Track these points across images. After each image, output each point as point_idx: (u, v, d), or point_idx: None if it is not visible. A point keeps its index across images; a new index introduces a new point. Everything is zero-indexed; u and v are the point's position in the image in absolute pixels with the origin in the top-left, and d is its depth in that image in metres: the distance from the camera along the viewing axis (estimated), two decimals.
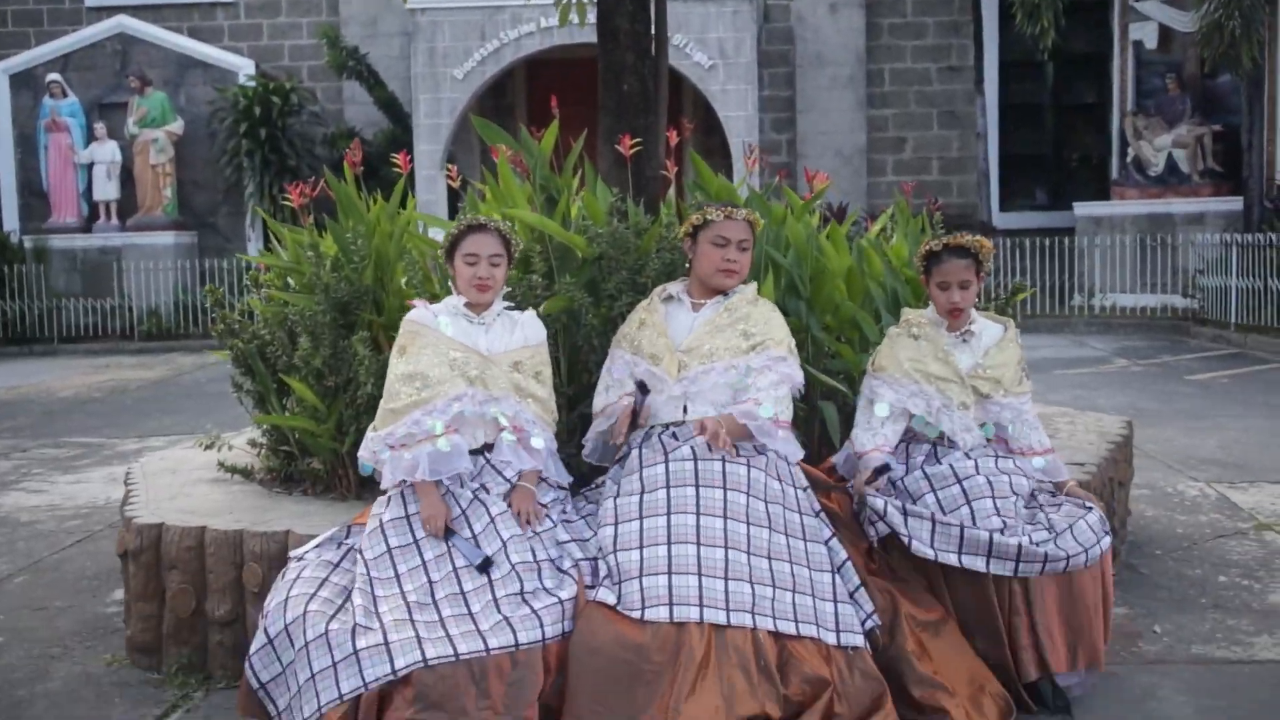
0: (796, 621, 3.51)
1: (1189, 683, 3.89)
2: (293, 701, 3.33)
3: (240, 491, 4.62)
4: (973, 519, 3.72)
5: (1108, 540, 3.81)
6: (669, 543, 3.54)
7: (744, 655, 3.39)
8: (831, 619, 3.57)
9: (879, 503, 3.76)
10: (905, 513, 3.74)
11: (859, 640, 3.56)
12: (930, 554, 3.68)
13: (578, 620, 3.44)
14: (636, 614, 3.41)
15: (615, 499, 3.71)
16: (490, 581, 3.48)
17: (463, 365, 3.72)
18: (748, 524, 3.62)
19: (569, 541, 3.69)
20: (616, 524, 3.63)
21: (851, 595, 3.67)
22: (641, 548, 3.55)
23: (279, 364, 4.63)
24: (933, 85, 17.95)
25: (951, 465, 3.89)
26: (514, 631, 3.35)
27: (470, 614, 3.41)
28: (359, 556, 3.57)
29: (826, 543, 3.77)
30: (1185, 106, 15.61)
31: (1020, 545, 3.63)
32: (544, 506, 3.76)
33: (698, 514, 3.60)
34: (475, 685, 3.24)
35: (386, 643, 3.27)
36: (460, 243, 3.79)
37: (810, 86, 17.57)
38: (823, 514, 3.86)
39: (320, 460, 4.52)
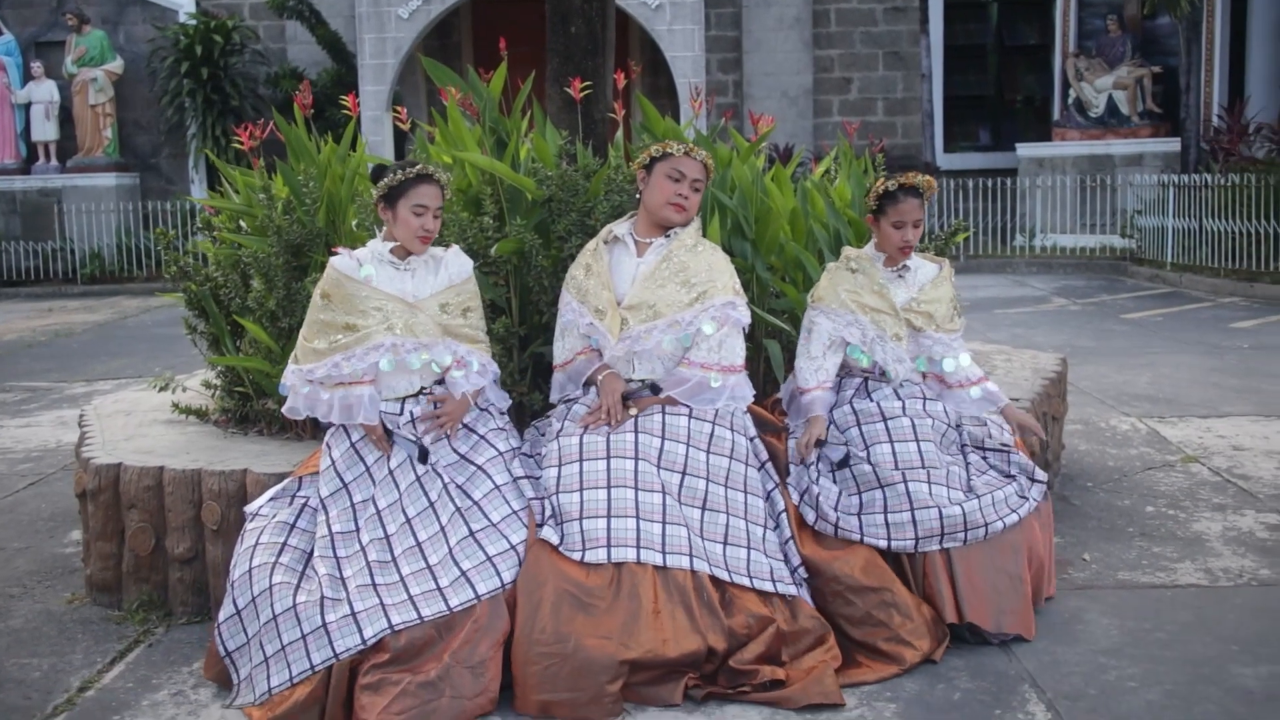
0: (729, 571, 3.64)
1: (1114, 606, 4.08)
2: (254, 671, 3.44)
3: (196, 432, 4.68)
4: (894, 459, 3.89)
5: (1026, 508, 3.97)
6: (609, 486, 3.64)
7: (685, 592, 3.51)
8: (766, 570, 3.70)
9: (815, 493, 3.90)
10: (837, 507, 3.88)
11: (792, 590, 3.70)
12: (857, 538, 3.84)
13: (525, 556, 3.56)
14: (577, 555, 3.53)
15: (559, 438, 3.80)
16: (442, 528, 3.59)
17: (388, 315, 3.71)
18: (684, 474, 3.73)
19: (522, 478, 3.80)
20: (560, 465, 3.73)
21: (783, 546, 3.81)
22: (582, 490, 3.65)
23: (232, 306, 4.68)
24: (878, 26, 18.00)
25: (879, 403, 4.05)
26: (472, 585, 3.47)
27: (429, 568, 3.52)
28: (320, 514, 3.66)
29: (769, 495, 3.89)
30: (1125, 48, 15.82)
31: (941, 514, 3.79)
32: (481, 436, 3.83)
33: (636, 459, 3.70)
34: (441, 639, 3.38)
35: (354, 613, 3.39)
36: (408, 192, 3.73)
37: (757, 26, 17.57)
38: (769, 464, 3.96)
39: (275, 401, 4.59)
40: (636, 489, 3.64)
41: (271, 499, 3.81)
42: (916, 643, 3.65)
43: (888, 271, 4.17)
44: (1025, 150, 16.34)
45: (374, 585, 3.46)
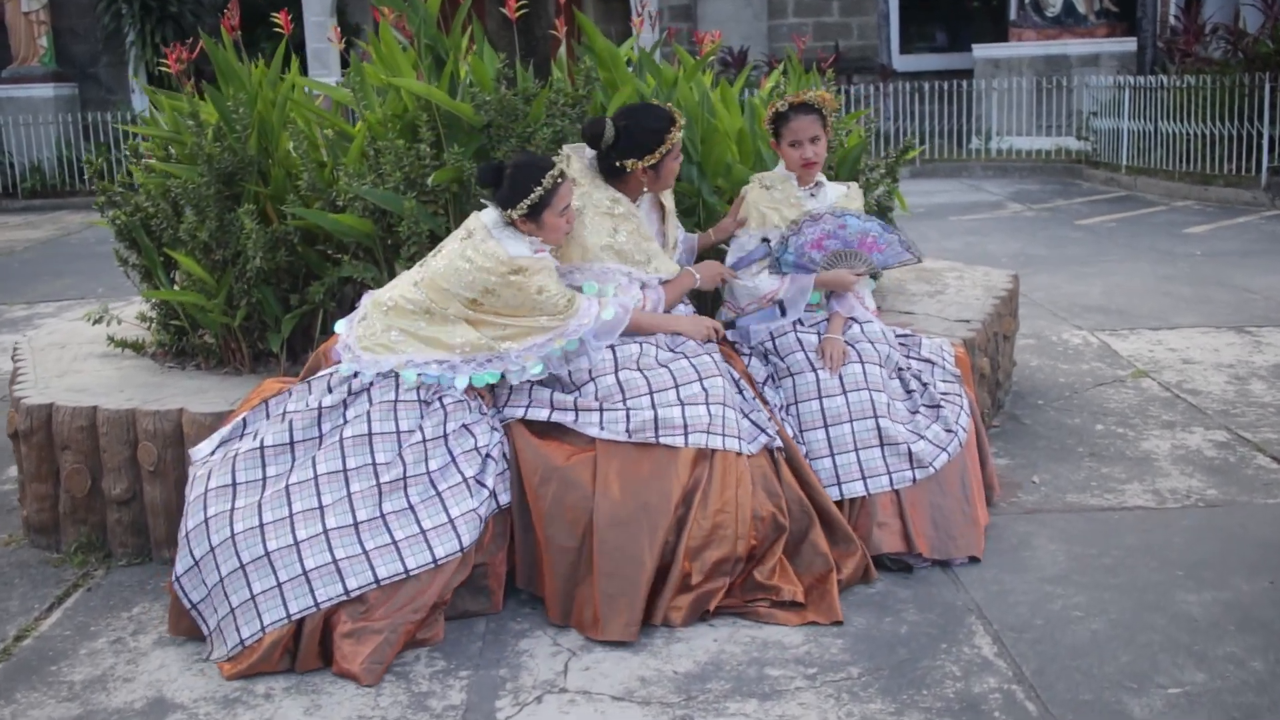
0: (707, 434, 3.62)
1: (1062, 530, 4.08)
2: (223, 624, 3.34)
3: (131, 367, 4.56)
4: (841, 384, 3.92)
5: (955, 444, 3.96)
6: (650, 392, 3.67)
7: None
8: (735, 429, 3.68)
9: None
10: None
11: (754, 448, 3.69)
12: (838, 495, 3.82)
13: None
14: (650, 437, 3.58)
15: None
16: (406, 492, 3.46)
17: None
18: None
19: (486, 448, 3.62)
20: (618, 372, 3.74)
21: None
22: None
23: (164, 237, 4.53)
24: None
25: (819, 332, 4.08)
26: (459, 537, 3.42)
27: (411, 508, 3.45)
28: (272, 463, 3.53)
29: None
30: None
31: (884, 454, 3.83)
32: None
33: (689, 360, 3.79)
34: (422, 588, 3.35)
35: (335, 560, 3.31)
36: (553, 200, 3.62)
37: None
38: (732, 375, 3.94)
39: (211, 335, 4.47)
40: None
41: (222, 443, 3.65)
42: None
43: (802, 190, 4.23)
44: (981, 51, 16.15)
45: (355, 525, 3.37)
